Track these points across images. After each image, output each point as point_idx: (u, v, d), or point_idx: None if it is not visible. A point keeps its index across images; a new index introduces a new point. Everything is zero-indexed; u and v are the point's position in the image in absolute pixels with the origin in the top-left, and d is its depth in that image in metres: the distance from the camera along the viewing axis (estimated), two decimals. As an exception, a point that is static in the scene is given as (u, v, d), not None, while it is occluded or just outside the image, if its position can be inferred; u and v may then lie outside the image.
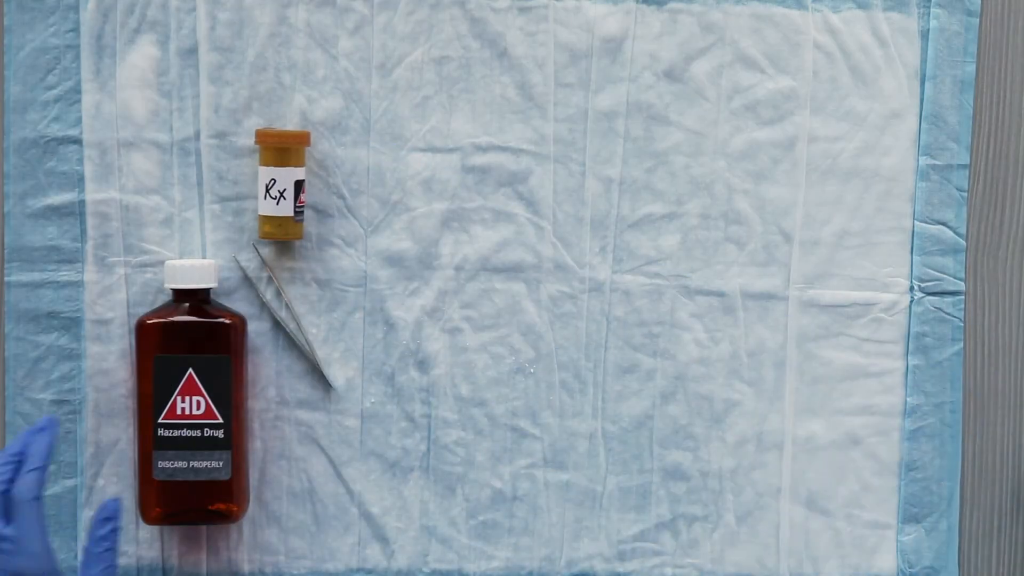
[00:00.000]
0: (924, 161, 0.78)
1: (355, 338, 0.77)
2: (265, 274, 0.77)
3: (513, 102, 0.77)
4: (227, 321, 0.73)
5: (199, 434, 0.72)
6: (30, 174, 0.75)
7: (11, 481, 0.64)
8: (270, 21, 0.76)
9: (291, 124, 0.76)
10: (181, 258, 0.76)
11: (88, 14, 0.75)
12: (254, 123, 0.76)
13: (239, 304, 0.76)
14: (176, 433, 0.72)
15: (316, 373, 0.77)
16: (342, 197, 0.77)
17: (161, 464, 0.72)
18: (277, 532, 0.78)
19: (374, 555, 0.78)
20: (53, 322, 0.76)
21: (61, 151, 0.76)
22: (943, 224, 0.79)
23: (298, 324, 0.77)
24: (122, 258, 0.76)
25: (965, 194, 0.79)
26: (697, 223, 0.78)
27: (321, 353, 0.77)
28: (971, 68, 0.78)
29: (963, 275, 0.79)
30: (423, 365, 0.78)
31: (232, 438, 0.72)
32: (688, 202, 0.78)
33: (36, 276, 0.76)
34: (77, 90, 0.75)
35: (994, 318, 0.80)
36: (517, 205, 0.77)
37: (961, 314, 0.79)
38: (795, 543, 0.79)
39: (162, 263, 0.75)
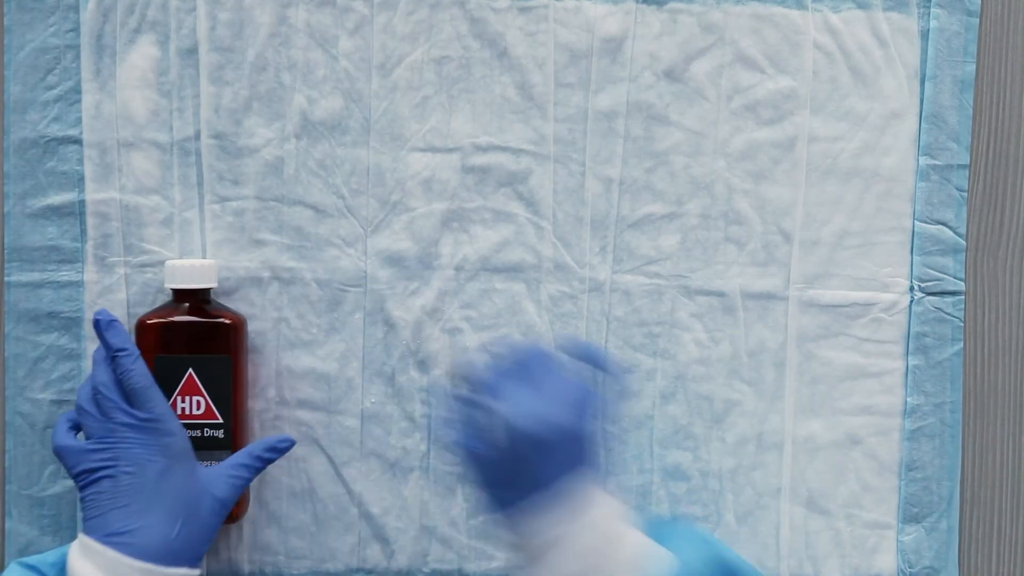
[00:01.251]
0: (924, 161, 0.78)
1: (355, 338, 0.77)
2: (266, 274, 0.77)
3: (513, 102, 0.77)
4: (227, 321, 0.73)
5: (199, 434, 0.72)
6: (30, 174, 0.75)
7: (123, 374, 0.67)
8: (270, 21, 0.76)
9: (291, 124, 0.76)
10: (181, 258, 0.76)
11: (88, 14, 0.75)
12: (254, 123, 0.76)
13: (239, 304, 0.76)
14: None
15: (316, 373, 0.77)
16: (342, 197, 0.77)
17: None
18: (277, 532, 0.78)
19: (374, 555, 0.78)
20: (53, 322, 0.76)
21: (61, 151, 0.76)
22: (943, 224, 0.79)
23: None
24: (122, 258, 0.76)
25: (965, 194, 0.79)
26: (697, 223, 0.78)
27: (321, 353, 0.77)
28: (971, 68, 0.78)
29: (963, 275, 0.79)
30: (423, 365, 0.78)
31: (232, 438, 0.72)
32: (688, 202, 0.78)
33: (36, 276, 0.76)
34: (77, 90, 0.75)
35: (994, 318, 0.80)
36: (517, 205, 0.77)
37: (961, 314, 0.79)
38: (795, 543, 0.79)
39: (162, 263, 0.75)
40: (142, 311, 0.75)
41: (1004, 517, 0.80)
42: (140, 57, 0.75)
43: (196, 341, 0.72)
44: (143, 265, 0.76)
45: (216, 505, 0.67)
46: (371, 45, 0.76)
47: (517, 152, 0.77)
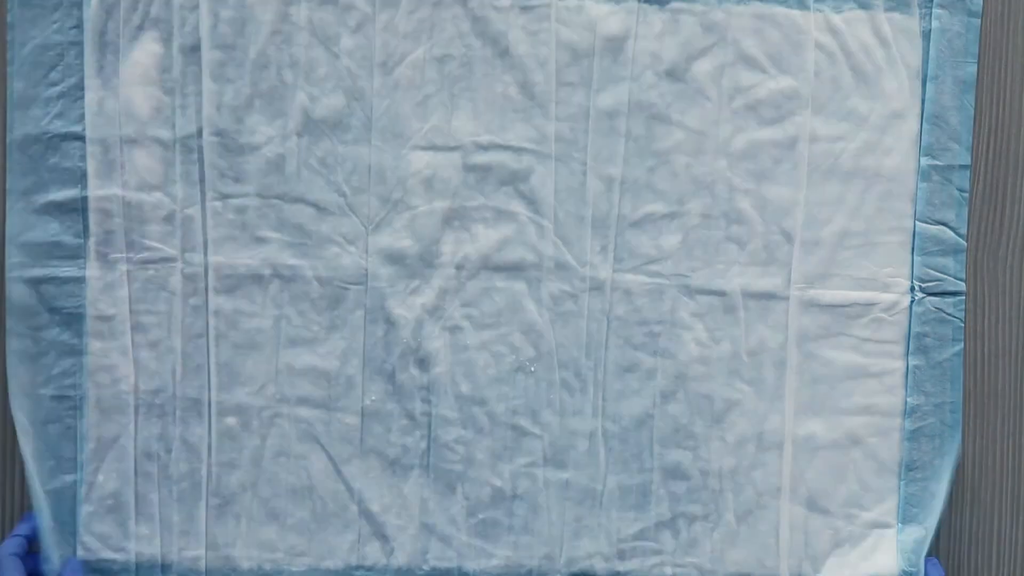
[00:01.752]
0: (925, 161, 0.78)
1: (356, 336, 0.77)
2: (267, 271, 0.77)
3: (515, 101, 0.77)
4: None
5: None
6: (33, 170, 0.76)
7: None
8: (272, 19, 0.76)
9: (293, 121, 0.76)
10: (183, 255, 0.76)
11: (91, 11, 0.75)
12: (256, 120, 0.76)
13: (240, 302, 0.76)
14: None
15: (317, 370, 0.77)
16: (343, 195, 0.77)
17: None
18: (276, 529, 0.78)
19: (373, 553, 0.78)
20: (55, 318, 0.76)
21: (64, 147, 0.76)
22: (944, 224, 0.79)
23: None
24: (124, 254, 0.76)
25: (966, 194, 0.79)
26: (698, 222, 0.78)
27: (322, 350, 0.77)
28: (972, 69, 0.78)
29: (964, 275, 0.79)
30: (423, 363, 0.78)
31: None
32: (689, 201, 0.78)
33: (38, 272, 0.76)
34: (80, 86, 0.76)
35: (994, 318, 0.80)
36: (518, 204, 0.78)
37: (961, 314, 0.79)
38: (795, 543, 0.79)
39: (164, 260, 0.75)
40: (143, 307, 0.75)
41: (1004, 517, 0.80)
42: (143, 54, 0.76)
43: None
44: (145, 262, 0.76)
45: None
46: (373, 43, 0.76)
47: (518, 151, 0.77)
